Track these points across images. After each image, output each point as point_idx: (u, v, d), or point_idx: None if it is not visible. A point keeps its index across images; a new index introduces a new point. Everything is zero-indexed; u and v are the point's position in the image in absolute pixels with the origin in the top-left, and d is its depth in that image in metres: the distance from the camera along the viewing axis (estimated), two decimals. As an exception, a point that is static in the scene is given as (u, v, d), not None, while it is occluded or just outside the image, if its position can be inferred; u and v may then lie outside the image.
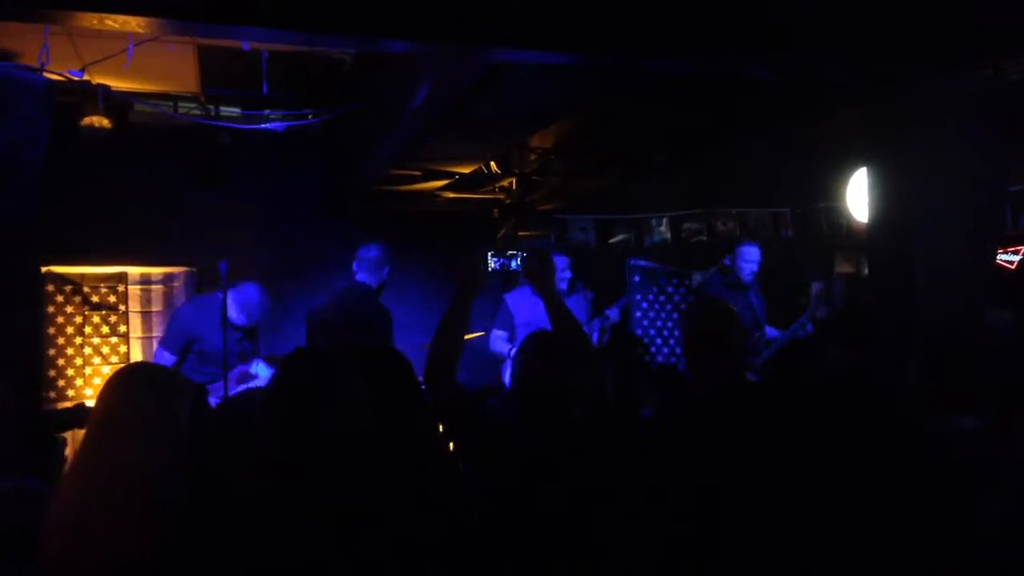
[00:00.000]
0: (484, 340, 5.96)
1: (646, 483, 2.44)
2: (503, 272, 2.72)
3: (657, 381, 3.90)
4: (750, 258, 5.65)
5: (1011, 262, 5.85)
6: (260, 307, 4.83)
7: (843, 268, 7.32)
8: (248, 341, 4.91)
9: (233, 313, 4.70)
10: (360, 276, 4.85)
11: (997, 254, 5.53)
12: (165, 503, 1.88)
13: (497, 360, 5.85)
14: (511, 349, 5.52)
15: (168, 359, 4.75)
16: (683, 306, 5.97)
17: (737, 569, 2.21)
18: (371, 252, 4.88)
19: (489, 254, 2.71)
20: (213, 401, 4.69)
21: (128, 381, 2.05)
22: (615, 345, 6.00)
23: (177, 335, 4.82)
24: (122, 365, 2.73)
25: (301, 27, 3.27)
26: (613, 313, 5.93)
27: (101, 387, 2.06)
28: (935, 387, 2.45)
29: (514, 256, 2.71)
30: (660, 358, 6.00)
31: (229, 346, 4.60)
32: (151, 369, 2.33)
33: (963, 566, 2.10)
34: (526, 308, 5.58)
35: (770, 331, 5.65)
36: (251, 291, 4.80)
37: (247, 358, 4.81)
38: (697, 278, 7.03)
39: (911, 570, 2.14)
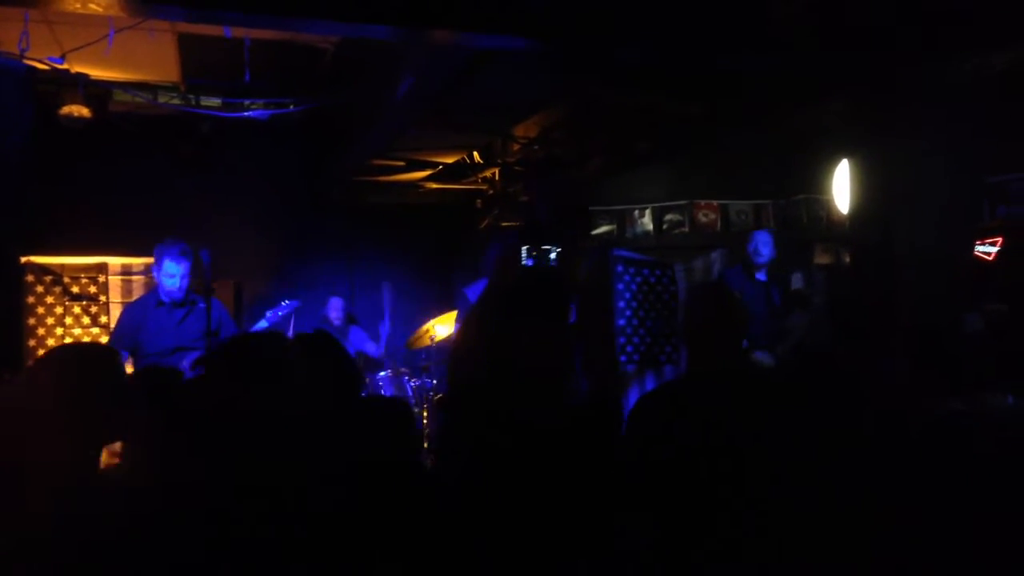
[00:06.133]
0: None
1: (635, 470, 2.42)
2: (539, 265, 2.61)
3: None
4: (764, 241, 5.85)
5: (989, 253, 5.90)
6: (176, 260, 4.61)
7: (822, 259, 7.38)
8: (194, 322, 4.67)
9: (166, 280, 4.61)
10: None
11: (976, 245, 5.58)
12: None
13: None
14: None
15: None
16: (666, 296, 5.98)
17: (731, 555, 2.21)
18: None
19: (524, 248, 2.59)
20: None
21: (70, 362, 2.02)
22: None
23: (123, 331, 4.69)
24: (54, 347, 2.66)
25: (280, 12, 3.27)
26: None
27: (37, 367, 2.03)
28: (919, 372, 2.48)
29: (550, 250, 2.61)
30: (643, 348, 6.00)
31: (171, 330, 4.59)
32: (90, 348, 2.27)
33: (956, 550, 2.12)
34: None
35: None
36: (164, 250, 4.65)
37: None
38: (679, 269, 7.04)
39: (905, 553, 2.16)
